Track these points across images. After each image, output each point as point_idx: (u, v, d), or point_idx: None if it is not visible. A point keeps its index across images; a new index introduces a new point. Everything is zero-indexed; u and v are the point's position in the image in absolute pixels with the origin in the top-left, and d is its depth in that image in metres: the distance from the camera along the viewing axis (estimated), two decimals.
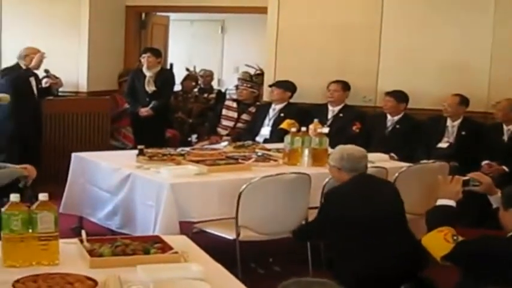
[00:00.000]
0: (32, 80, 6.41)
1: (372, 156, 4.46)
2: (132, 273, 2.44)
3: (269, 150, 5.40)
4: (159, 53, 7.21)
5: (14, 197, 2.56)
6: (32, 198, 3.08)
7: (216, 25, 11.61)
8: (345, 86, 6.86)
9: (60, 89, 7.15)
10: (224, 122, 7.33)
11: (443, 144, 6.32)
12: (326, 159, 4.41)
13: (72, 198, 5.12)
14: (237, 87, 7.95)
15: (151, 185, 4.34)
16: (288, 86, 6.99)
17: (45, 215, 2.54)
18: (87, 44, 7.49)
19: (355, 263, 3.55)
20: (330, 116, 6.78)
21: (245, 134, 6.90)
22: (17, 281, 2.31)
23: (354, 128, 6.65)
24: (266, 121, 6.94)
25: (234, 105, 7.40)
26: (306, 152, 4.88)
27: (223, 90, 9.64)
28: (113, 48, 7.99)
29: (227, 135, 7.15)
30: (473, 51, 6.69)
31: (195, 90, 9.03)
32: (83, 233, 2.85)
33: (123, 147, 7.16)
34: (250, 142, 5.87)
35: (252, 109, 7.30)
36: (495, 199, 3.15)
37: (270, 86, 7.14)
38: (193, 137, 7.75)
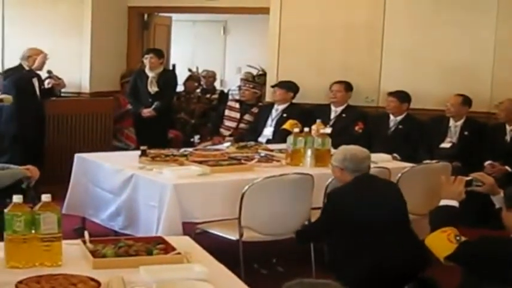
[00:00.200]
0: (35, 81, 6.40)
1: (374, 156, 4.44)
2: (135, 274, 2.45)
3: (272, 150, 5.40)
4: (161, 54, 7.21)
5: (17, 198, 2.55)
6: (34, 199, 3.08)
7: (219, 26, 11.61)
8: (348, 87, 6.86)
9: (63, 90, 7.13)
10: (227, 123, 7.33)
11: (446, 145, 6.32)
12: (329, 160, 4.40)
13: (75, 199, 5.12)
14: (239, 87, 7.94)
15: (154, 185, 4.34)
16: (290, 87, 6.98)
17: (48, 216, 2.54)
18: (89, 44, 7.49)
19: (359, 263, 3.54)
20: (332, 116, 6.78)
21: (248, 134, 6.90)
22: (20, 282, 2.31)
23: (357, 128, 6.65)
24: (269, 121, 6.93)
25: (237, 105, 7.40)
26: (309, 152, 4.88)
27: (225, 90, 9.61)
28: (115, 49, 7.99)
29: (230, 135, 7.15)
30: (476, 52, 6.68)
31: (198, 90, 9.01)
32: (86, 233, 2.85)
33: (126, 148, 7.16)
34: (252, 143, 5.87)
35: (255, 110, 7.30)
36: (498, 199, 3.15)
37: (273, 86, 7.14)
38: (196, 138, 7.73)
